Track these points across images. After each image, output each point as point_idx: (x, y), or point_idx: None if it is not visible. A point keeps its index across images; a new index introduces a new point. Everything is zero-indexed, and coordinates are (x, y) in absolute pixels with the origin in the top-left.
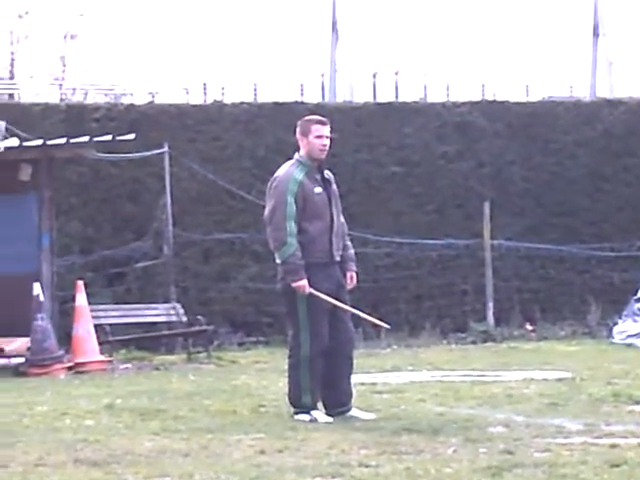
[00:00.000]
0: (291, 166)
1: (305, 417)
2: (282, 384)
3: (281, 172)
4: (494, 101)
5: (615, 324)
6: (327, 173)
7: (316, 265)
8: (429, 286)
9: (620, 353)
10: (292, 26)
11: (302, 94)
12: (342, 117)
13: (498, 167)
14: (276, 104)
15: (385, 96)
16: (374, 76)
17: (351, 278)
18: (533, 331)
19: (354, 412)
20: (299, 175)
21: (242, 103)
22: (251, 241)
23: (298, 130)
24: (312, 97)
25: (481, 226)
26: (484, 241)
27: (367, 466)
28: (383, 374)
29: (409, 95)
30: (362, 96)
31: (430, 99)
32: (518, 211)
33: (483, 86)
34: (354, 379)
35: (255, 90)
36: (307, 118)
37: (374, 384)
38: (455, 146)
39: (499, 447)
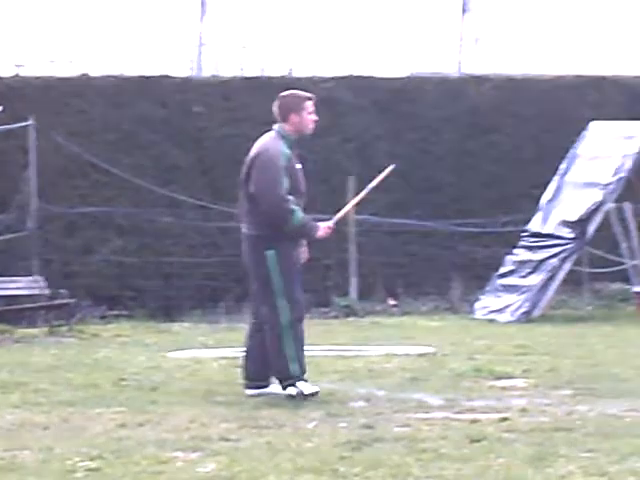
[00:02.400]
0: (276, 140)
1: (293, 390)
2: (144, 358)
3: (268, 146)
4: (360, 76)
5: (477, 300)
6: None
7: (292, 239)
8: None
9: (482, 328)
10: None
11: (169, 68)
12: (209, 91)
13: (364, 142)
14: (143, 77)
15: (252, 70)
16: (241, 50)
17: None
18: (396, 306)
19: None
20: (285, 149)
21: (109, 76)
22: (115, 215)
23: (286, 105)
24: (179, 71)
25: (346, 201)
26: (348, 216)
27: (227, 440)
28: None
29: (276, 70)
30: (229, 70)
31: (297, 74)
32: (383, 187)
33: (350, 61)
34: (216, 353)
35: (122, 63)
36: (296, 93)
37: (235, 358)
38: (321, 121)
39: (360, 421)
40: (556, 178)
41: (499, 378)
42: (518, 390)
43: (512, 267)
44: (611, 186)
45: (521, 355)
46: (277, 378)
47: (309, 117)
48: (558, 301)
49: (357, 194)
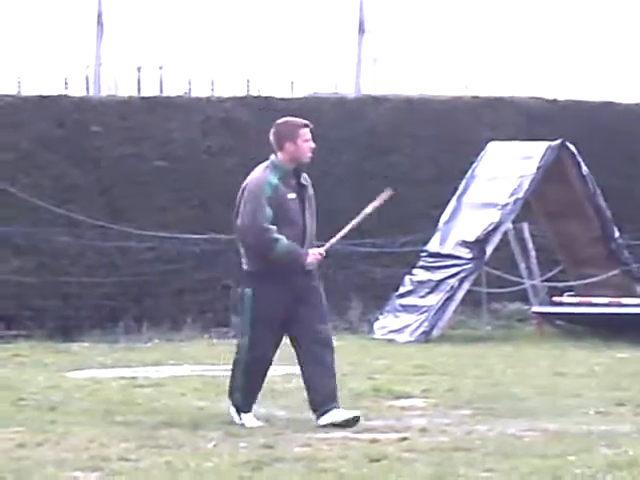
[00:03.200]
0: (265, 170)
1: (234, 415)
2: (42, 378)
3: (254, 176)
4: (259, 96)
5: (376, 320)
6: (304, 177)
7: (281, 273)
8: (192, 280)
9: (381, 348)
10: (57, 17)
11: (66, 87)
12: (106, 111)
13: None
14: (41, 97)
15: (149, 90)
16: (139, 70)
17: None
18: None
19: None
20: (273, 179)
21: (6, 96)
22: (13, 234)
23: (280, 134)
24: (77, 90)
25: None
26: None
27: (127, 460)
28: (144, 368)
29: (174, 90)
30: (127, 90)
31: (195, 94)
32: None
33: (248, 81)
34: (115, 373)
35: (19, 83)
36: (290, 121)
37: (134, 378)
38: (220, 141)
39: (260, 441)
40: (454, 198)
41: (398, 398)
42: (417, 410)
43: (411, 287)
44: (509, 207)
45: (420, 375)
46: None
47: (305, 145)
48: (457, 321)
49: (350, 220)
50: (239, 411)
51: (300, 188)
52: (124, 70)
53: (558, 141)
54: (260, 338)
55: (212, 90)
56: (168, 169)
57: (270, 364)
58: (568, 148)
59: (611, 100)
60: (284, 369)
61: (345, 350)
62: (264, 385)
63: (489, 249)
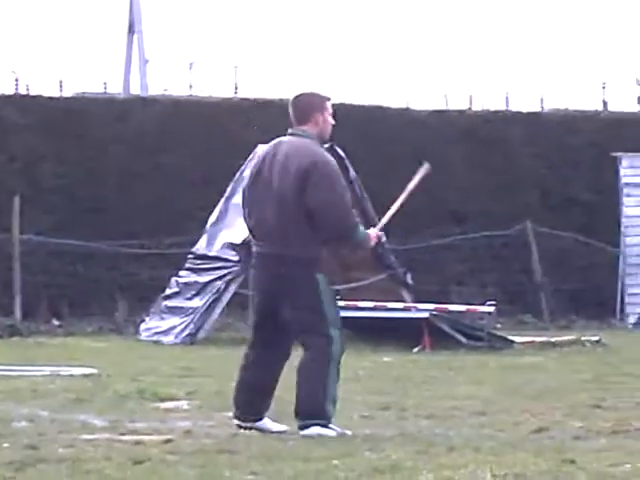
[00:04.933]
0: (316, 145)
1: (330, 432)
2: None
3: (322, 155)
4: (27, 95)
5: (142, 321)
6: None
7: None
8: None
9: (147, 350)
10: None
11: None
12: None
13: (29, 162)
14: None
15: None
16: None
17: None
18: (60, 326)
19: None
20: None
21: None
22: None
23: (309, 104)
24: None
25: (10, 220)
26: (12, 235)
27: None
28: None
29: None
30: None
31: None
32: (49, 206)
33: (16, 80)
34: None
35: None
36: (316, 92)
37: None
38: None
39: (23, 442)
40: (222, 201)
41: (163, 400)
42: (182, 412)
43: (177, 289)
44: None
45: (186, 377)
46: (303, 414)
47: (329, 119)
48: (223, 324)
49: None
50: (328, 423)
51: None
52: None
53: (326, 145)
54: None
55: None
56: None
57: None
58: (336, 151)
59: (380, 104)
60: (48, 369)
61: (111, 351)
62: (26, 385)
63: None
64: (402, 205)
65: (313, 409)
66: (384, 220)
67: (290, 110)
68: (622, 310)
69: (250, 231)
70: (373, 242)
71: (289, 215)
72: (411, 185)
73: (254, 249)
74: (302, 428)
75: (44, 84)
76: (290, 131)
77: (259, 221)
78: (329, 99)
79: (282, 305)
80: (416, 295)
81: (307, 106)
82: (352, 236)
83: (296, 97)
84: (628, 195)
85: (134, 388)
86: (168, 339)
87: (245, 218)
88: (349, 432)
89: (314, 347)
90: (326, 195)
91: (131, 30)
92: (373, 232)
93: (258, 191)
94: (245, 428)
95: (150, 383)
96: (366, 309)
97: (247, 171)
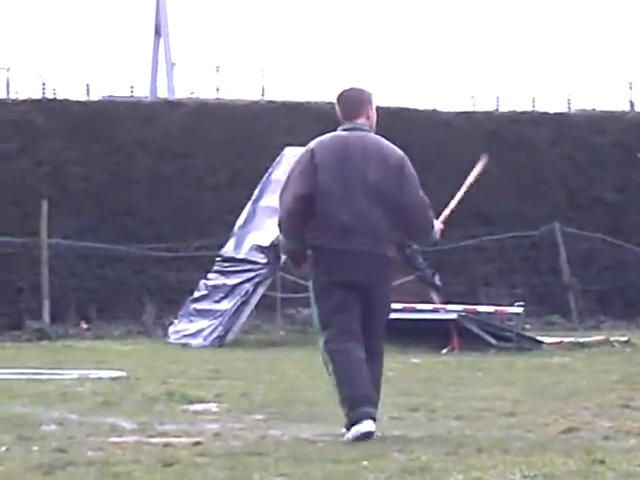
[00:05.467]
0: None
1: (373, 427)
2: None
3: (392, 147)
4: (54, 99)
5: (171, 324)
6: None
7: None
8: None
9: (175, 353)
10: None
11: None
12: None
13: (57, 166)
14: None
15: None
16: None
17: None
18: (88, 330)
19: None
20: None
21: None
22: None
23: (362, 98)
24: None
25: (38, 224)
26: (41, 239)
27: None
28: None
29: None
30: None
31: None
32: (77, 210)
33: (44, 84)
34: None
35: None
36: (361, 87)
37: None
38: (13, 144)
39: (52, 445)
40: (250, 203)
41: (192, 402)
42: (211, 414)
43: (205, 292)
44: None
45: (214, 379)
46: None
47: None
48: (251, 326)
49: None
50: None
51: None
52: None
53: None
54: None
55: (7, 92)
56: None
57: None
58: None
59: (407, 106)
60: (77, 372)
61: (139, 354)
62: (55, 389)
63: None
64: (462, 199)
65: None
66: (445, 213)
67: (340, 105)
68: None
69: (341, 228)
70: (439, 236)
71: (386, 211)
72: (470, 178)
73: (333, 246)
74: None
75: (71, 88)
76: (349, 126)
77: (355, 216)
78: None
79: (365, 305)
80: (444, 296)
81: (359, 100)
82: (430, 233)
83: (345, 92)
84: None
85: (163, 391)
86: (197, 342)
87: (323, 213)
88: (350, 435)
89: (381, 357)
90: (417, 192)
91: (157, 33)
92: (437, 225)
93: (349, 185)
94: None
95: (179, 385)
96: (395, 310)
97: (274, 174)
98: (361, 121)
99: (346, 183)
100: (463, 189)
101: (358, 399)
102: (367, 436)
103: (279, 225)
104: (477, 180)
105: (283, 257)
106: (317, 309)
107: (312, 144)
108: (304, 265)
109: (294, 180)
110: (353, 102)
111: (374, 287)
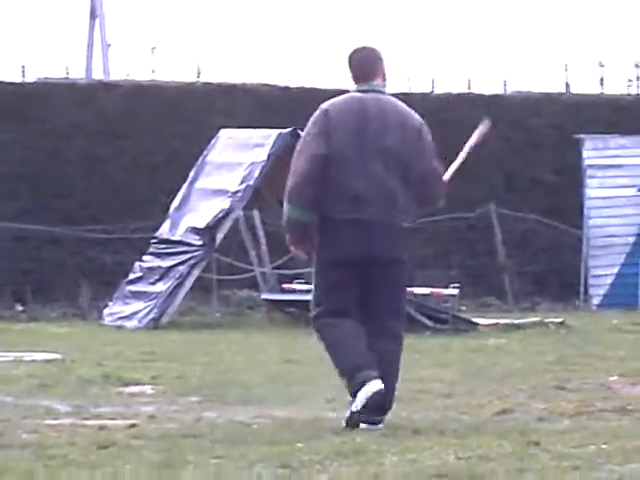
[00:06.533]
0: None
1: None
2: None
3: (409, 110)
4: None
5: (106, 306)
6: None
7: None
8: None
9: (111, 335)
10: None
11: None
12: None
13: None
14: None
15: None
16: None
17: None
18: (24, 312)
19: None
20: None
21: None
22: None
23: (378, 56)
24: None
25: None
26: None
27: None
28: None
29: None
30: None
31: None
32: (12, 193)
33: None
34: None
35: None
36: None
37: None
38: None
39: None
40: (185, 185)
41: (127, 385)
42: (146, 397)
43: (140, 274)
44: (239, 194)
45: (149, 362)
46: (380, 413)
47: None
48: (187, 308)
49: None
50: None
51: None
52: None
53: (289, 128)
54: None
55: None
56: None
57: None
58: (299, 135)
59: (344, 88)
60: (11, 355)
61: (75, 337)
62: None
63: (219, 236)
64: (464, 162)
65: (391, 399)
66: (447, 176)
67: (353, 66)
68: (586, 292)
69: (353, 196)
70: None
71: (403, 179)
72: (472, 141)
73: (344, 216)
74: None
75: (6, 69)
76: (365, 87)
77: (370, 184)
78: None
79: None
80: None
81: (373, 59)
82: (441, 199)
83: (358, 51)
84: (591, 177)
85: (98, 373)
86: (131, 324)
87: (335, 180)
88: (359, 403)
89: (400, 338)
90: (433, 160)
91: (93, 15)
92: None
93: (364, 150)
94: None
95: (114, 368)
96: None
97: (210, 156)
98: (377, 82)
99: (362, 148)
100: (464, 152)
101: (353, 369)
102: (378, 394)
103: (290, 194)
104: (479, 143)
105: (288, 234)
106: (315, 285)
107: (325, 105)
108: (307, 244)
109: (310, 142)
110: (368, 61)
111: (389, 261)
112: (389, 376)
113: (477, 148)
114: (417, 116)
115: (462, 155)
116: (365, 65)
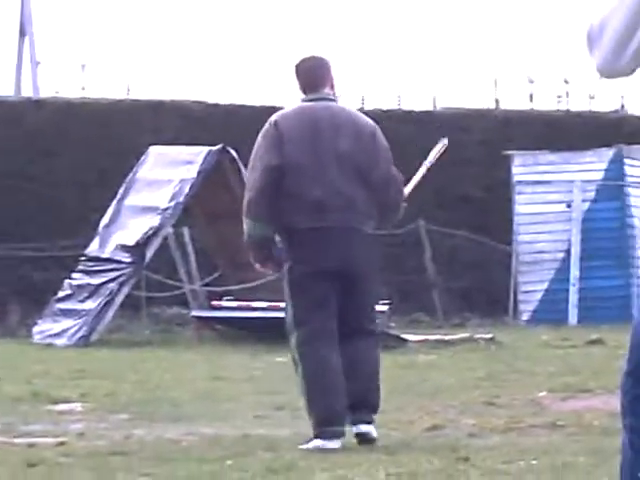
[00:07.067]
0: None
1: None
2: None
3: (362, 116)
4: None
5: (35, 324)
6: None
7: None
8: None
9: (40, 353)
10: None
11: None
12: None
13: None
14: None
15: None
16: None
17: None
18: None
19: None
20: None
21: None
22: None
23: (326, 65)
24: None
25: None
26: None
27: None
28: None
29: None
30: None
31: None
32: None
33: None
34: None
35: None
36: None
37: None
38: None
39: None
40: (115, 202)
41: (56, 402)
42: (76, 414)
43: (70, 291)
44: (169, 211)
45: (79, 379)
46: (369, 411)
47: None
48: (116, 325)
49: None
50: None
51: None
52: None
53: (219, 146)
54: None
55: None
56: None
57: None
58: (229, 152)
59: (273, 105)
60: None
61: (2, 355)
62: None
63: (149, 253)
64: (419, 182)
65: (375, 403)
66: (406, 191)
67: (301, 76)
68: (515, 308)
69: (313, 204)
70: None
71: (362, 184)
72: (429, 160)
73: (306, 225)
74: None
75: None
76: (314, 96)
77: (329, 191)
78: None
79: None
80: None
81: (321, 69)
82: (399, 211)
83: (305, 61)
84: (520, 193)
85: (27, 391)
86: (61, 341)
87: (293, 190)
88: (310, 445)
89: (374, 336)
90: (390, 165)
91: (22, 32)
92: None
93: (319, 157)
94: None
95: (43, 386)
96: (259, 309)
97: (139, 173)
98: (326, 90)
99: (316, 155)
100: (420, 172)
101: (328, 417)
102: (331, 450)
103: (247, 209)
104: (435, 162)
105: (251, 252)
106: (291, 303)
107: (274, 117)
108: (271, 260)
109: (262, 155)
110: (316, 70)
111: (356, 266)
112: (370, 374)
113: (432, 166)
114: (370, 121)
115: (420, 173)
116: (313, 74)
